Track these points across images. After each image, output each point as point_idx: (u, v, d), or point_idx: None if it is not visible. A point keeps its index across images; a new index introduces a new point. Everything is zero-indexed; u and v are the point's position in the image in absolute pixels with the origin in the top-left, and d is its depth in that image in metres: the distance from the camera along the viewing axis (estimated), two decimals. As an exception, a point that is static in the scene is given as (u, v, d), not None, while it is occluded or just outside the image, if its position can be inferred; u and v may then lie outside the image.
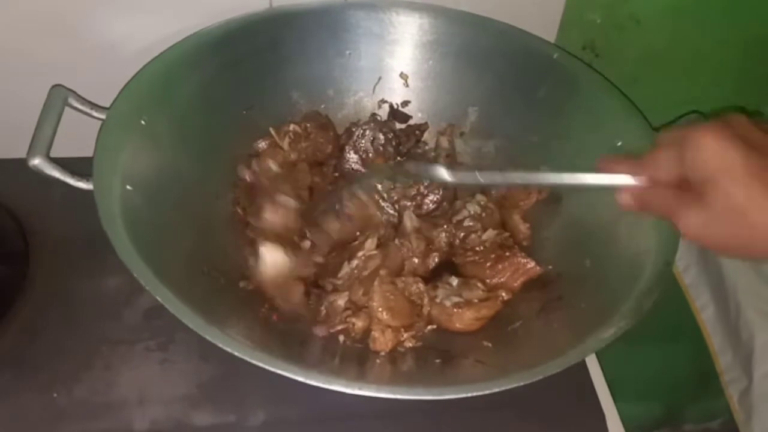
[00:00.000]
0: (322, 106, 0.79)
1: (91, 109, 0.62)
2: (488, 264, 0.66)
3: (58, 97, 0.61)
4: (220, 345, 0.48)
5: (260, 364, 0.48)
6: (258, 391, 0.62)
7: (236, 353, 0.48)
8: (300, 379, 0.47)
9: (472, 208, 0.71)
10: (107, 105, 0.63)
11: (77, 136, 0.62)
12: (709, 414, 1.32)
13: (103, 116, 0.62)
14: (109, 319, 0.67)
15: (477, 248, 0.69)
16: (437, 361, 0.59)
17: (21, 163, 0.57)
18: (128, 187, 0.58)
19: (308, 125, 0.75)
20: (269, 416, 0.61)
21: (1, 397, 0.61)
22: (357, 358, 0.59)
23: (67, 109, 0.63)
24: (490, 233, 0.69)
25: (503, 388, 0.49)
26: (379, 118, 0.79)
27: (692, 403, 1.35)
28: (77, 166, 0.58)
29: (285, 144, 0.74)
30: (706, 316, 0.88)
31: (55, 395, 0.61)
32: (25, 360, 0.64)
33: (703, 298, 0.89)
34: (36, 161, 0.56)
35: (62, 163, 0.58)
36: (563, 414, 0.63)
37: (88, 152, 0.59)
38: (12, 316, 0.66)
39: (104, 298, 0.68)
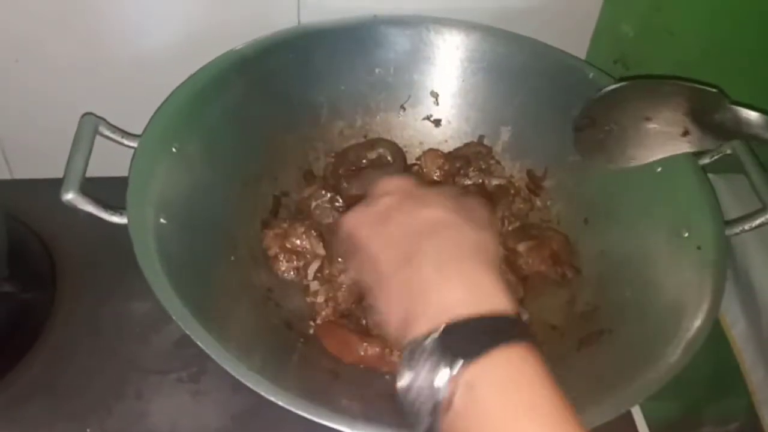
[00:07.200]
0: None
1: (122, 137, 0.61)
2: None
3: (89, 127, 0.59)
4: (273, 399, 0.47)
5: (305, 415, 0.47)
6: (292, 422, 0.61)
7: (288, 407, 0.48)
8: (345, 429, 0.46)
9: None
10: (136, 122, 0.62)
11: (106, 156, 0.61)
12: (727, 416, 1.31)
13: (134, 144, 0.60)
14: (139, 345, 0.66)
15: None
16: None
17: (48, 184, 0.56)
18: (162, 220, 0.56)
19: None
20: (304, 449, 0.60)
21: (34, 427, 0.61)
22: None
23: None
24: None
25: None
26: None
27: (711, 404, 1.34)
28: (108, 192, 0.56)
29: None
30: (737, 332, 0.86)
31: (88, 430, 0.60)
32: (56, 389, 0.63)
33: (734, 312, 0.87)
34: (69, 196, 0.54)
35: (93, 184, 0.56)
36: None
37: (115, 171, 0.58)
38: (40, 343, 0.66)
39: (133, 324, 0.68)
